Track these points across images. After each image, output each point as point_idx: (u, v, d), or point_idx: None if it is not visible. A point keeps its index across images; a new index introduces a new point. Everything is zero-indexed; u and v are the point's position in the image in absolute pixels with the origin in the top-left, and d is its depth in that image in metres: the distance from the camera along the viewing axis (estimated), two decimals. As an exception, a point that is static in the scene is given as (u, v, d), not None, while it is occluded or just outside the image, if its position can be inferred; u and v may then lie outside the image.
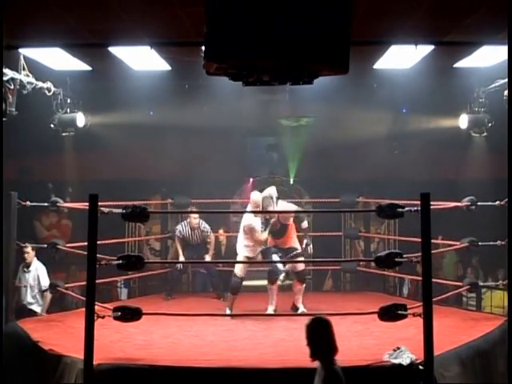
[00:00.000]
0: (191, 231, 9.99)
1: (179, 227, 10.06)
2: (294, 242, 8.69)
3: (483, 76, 9.07)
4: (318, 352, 4.35)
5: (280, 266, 8.45)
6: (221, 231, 11.45)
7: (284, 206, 8.62)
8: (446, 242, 9.60)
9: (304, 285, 8.75)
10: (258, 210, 8.39)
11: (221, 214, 11.26)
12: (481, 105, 9.74)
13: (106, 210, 5.91)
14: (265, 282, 8.72)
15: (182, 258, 9.83)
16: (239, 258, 8.49)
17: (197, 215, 9.89)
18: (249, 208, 8.56)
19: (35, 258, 8.71)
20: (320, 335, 4.33)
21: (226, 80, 5.01)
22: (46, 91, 8.90)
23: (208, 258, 9.94)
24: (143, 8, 6.37)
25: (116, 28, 7.03)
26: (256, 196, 8.49)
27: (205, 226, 10.04)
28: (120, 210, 6.09)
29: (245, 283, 8.74)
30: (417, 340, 5.67)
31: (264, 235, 8.41)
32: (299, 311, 8.33)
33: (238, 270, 8.51)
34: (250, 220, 8.42)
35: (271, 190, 8.56)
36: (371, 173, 11.40)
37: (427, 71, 8.83)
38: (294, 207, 8.91)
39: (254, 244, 8.43)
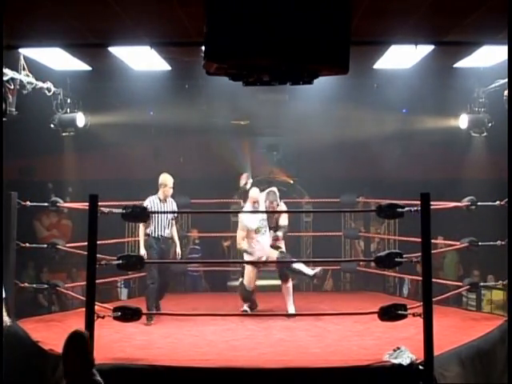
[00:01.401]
0: (160, 203, 8.20)
1: (146, 202, 8.14)
2: (281, 242, 8.62)
3: (483, 76, 9.07)
4: (73, 369, 3.97)
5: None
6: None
7: (283, 206, 8.61)
8: (446, 242, 9.61)
9: (289, 284, 8.38)
10: (256, 206, 8.30)
11: (221, 215, 11.25)
12: (481, 105, 9.74)
13: (105, 210, 5.90)
14: (266, 282, 8.71)
15: (142, 250, 8.09)
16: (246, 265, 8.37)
17: (171, 184, 8.26)
18: (247, 205, 8.48)
19: None
20: (75, 351, 3.98)
21: (226, 80, 5.01)
22: (46, 91, 8.90)
23: (178, 250, 8.40)
24: (143, 8, 6.37)
25: (116, 28, 7.03)
26: (254, 192, 8.40)
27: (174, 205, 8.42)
28: (120, 210, 6.09)
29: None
30: (417, 340, 5.67)
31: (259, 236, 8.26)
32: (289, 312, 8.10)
33: (247, 281, 8.32)
34: (243, 216, 8.33)
35: (274, 188, 8.51)
36: (371, 173, 11.41)
37: (427, 71, 8.83)
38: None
39: (253, 245, 8.31)
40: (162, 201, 8.22)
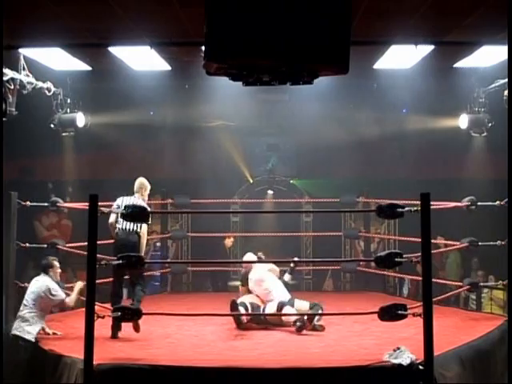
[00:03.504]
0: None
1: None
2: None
3: (483, 76, 9.07)
4: None
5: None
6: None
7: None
8: (446, 242, 9.61)
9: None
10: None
11: (221, 214, 11.25)
12: (481, 105, 9.74)
13: (105, 210, 5.90)
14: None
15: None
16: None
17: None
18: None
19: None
20: None
21: (226, 80, 5.01)
22: (46, 91, 8.90)
23: None
24: (143, 8, 6.38)
25: (116, 28, 7.04)
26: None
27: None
28: (120, 210, 6.09)
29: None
30: (417, 340, 5.66)
31: None
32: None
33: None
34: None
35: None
36: (371, 173, 11.42)
37: (427, 71, 8.83)
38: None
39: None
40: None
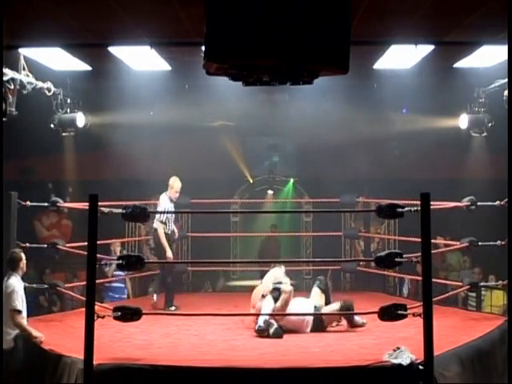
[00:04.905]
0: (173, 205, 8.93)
1: (164, 204, 8.82)
2: None
3: (483, 76, 9.07)
4: None
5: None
6: None
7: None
8: (446, 242, 9.61)
9: None
10: None
11: (221, 214, 11.26)
12: (481, 105, 9.74)
13: (105, 210, 5.89)
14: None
15: (169, 254, 8.68)
16: None
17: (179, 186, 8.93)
18: None
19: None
20: None
21: (226, 80, 5.02)
22: (46, 91, 8.90)
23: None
24: (143, 8, 6.38)
25: (116, 28, 7.04)
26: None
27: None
28: (120, 210, 6.08)
29: (242, 283, 8.68)
30: (417, 340, 5.66)
31: None
32: None
33: None
34: None
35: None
36: (371, 173, 11.42)
37: (427, 71, 8.84)
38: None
39: None
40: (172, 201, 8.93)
